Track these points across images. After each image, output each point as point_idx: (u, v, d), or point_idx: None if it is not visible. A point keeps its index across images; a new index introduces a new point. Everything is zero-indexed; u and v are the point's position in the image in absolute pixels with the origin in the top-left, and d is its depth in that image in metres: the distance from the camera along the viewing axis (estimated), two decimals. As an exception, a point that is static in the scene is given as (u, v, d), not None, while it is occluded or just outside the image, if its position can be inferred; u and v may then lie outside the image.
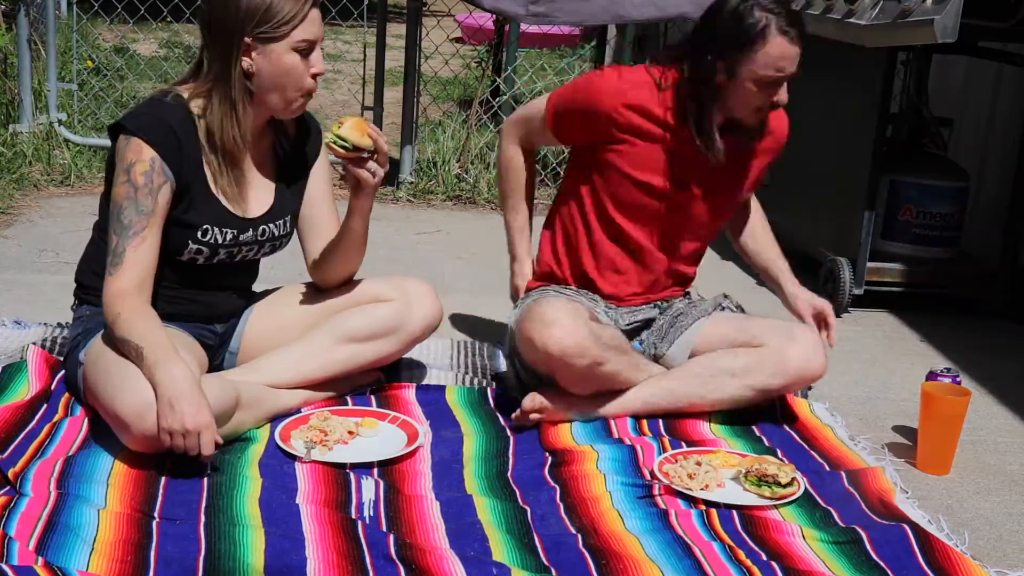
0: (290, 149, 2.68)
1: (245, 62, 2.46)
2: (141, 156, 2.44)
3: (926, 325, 3.91)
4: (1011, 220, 4.10)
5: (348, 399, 2.77)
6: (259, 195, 2.63)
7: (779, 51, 2.67)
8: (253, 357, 2.72)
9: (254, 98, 2.50)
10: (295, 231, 2.76)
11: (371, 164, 2.58)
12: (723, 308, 2.94)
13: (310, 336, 2.71)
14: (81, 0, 5.88)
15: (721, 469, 2.48)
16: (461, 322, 3.54)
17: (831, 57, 4.18)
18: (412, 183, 5.29)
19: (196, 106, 2.50)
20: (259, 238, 2.64)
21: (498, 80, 6.18)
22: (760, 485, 2.41)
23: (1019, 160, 4.04)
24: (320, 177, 2.75)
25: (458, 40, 8.79)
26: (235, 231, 2.58)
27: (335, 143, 2.53)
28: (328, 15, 6.67)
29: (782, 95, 2.76)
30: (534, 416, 2.69)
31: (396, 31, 5.92)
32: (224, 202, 2.55)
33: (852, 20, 3.78)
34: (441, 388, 2.91)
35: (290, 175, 2.70)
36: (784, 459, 2.62)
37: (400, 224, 4.83)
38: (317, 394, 2.72)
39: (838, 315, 3.95)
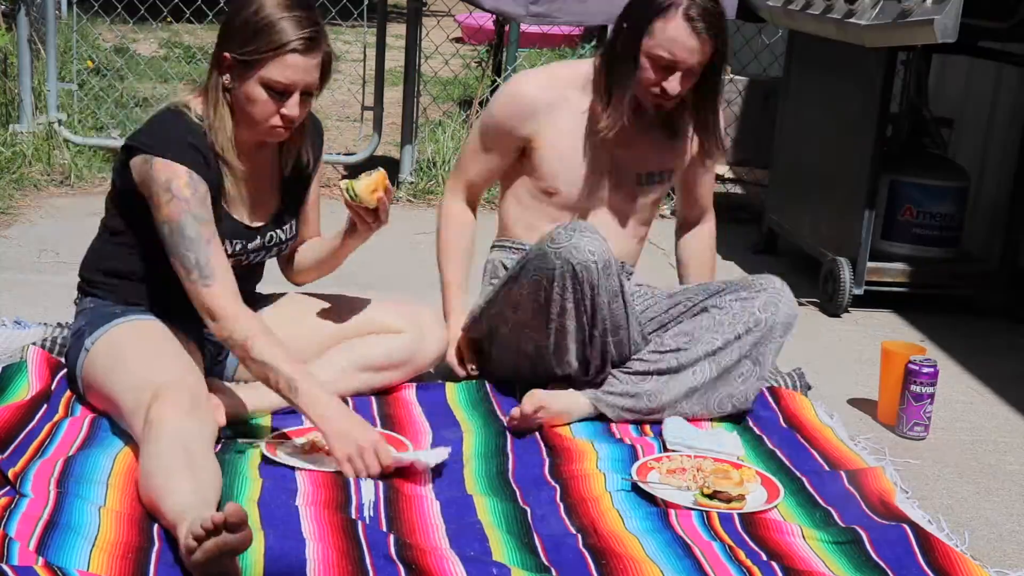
0: (292, 154, 2.66)
1: (226, 77, 2.45)
2: (176, 172, 2.42)
3: (926, 325, 3.91)
4: (1011, 220, 4.10)
5: (349, 401, 2.75)
6: (265, 202, 2.64)
7: (675, 34, 2.64)
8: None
9: (236, 116, 2.49)
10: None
11: (369, 218, 2.60)
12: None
13: (326, 362, 2.72)
14: (81, 0, 5.89)
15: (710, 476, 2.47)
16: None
17: (831, 57, 4.18)
18: (412, 183, 5.29)
19: (197, 113, 2.50)
20: (266, 244, 2.65)
21: (498, 80, 6.17)
22: (711, 499, 2.40)
23: (1019, 160, 4.04)
24: (314, 181, 2.77)
25: (458, 40, 8.79)
26: (244, 241, 2.59)
27: (346, 190, 2.56)
28: (328, 15, 6.68)
29: (672, 83, 2.69)
30: (538, 416, 2.66)
31: (396, 31, 5.92)
32: (235, 214, 2.57)
33: (852, 20, 3.78)
34: (441, 386, 2.91)
35: (293, 179, 2.69)
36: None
37: (400, 224, 4.82)
38: None
39: (838, 315, 3.96)
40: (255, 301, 2.80)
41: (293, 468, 2.39)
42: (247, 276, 2.71)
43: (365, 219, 2.60)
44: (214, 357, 2.71)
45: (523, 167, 2.90)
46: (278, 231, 2.66)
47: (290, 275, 2.85)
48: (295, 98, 2.45)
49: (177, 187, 2.41)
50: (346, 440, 2.32)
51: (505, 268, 2.93)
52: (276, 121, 2.46)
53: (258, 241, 2.62)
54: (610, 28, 7.04)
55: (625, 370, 2.77)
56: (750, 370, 2.75)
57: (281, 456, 2.42)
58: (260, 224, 2.62)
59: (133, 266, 2.60)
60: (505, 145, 2.90)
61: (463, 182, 3.04)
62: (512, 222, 2.99)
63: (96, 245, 2.68)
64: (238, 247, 2.58)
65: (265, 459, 2.42)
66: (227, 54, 2.44)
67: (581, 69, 2.87)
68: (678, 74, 2.67)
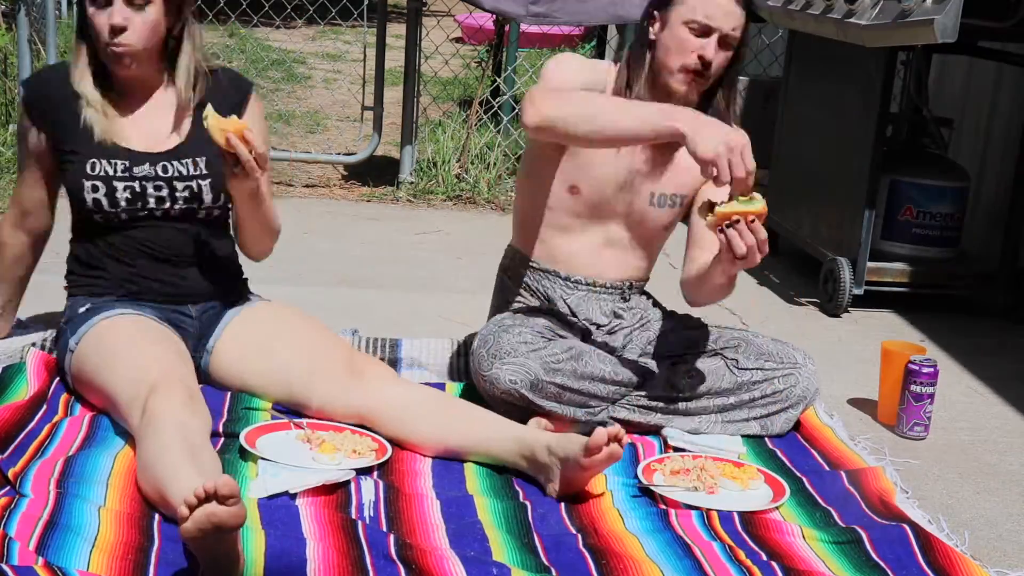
0: (213, 99, 2.65)
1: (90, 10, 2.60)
2: (22, 110, 2.69)
3: (926, 325, 3.91)
4: (1011, 220, 4.10)
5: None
6: (167, 136, 2.66)
7: None
8: (220, 372, 2.71)
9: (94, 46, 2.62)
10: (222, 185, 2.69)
11: (229, 159, 2.52)
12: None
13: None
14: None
15: (720, 477, 2.48)
16: (461, 322, 3.54)
17: (831, 57, 4.19)
18: (412, 183, 5.29)
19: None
20: (160, 174, 2.62)
21: (498, 80, 6.18)
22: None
23: (1019, 160, 4.04)
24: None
25: (458, 40, 8.79)
26: (127, 162, 2.60)
27: (204, 117, 2.50)
28: (328, 15, 6.68)
29: (708, 49, 2.60)
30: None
31: (396, 31, 5.92)
32: (114, 138, 2.61)
33: (852, 20, 3.78)
34: (441, 386, 2.90)
35: (201, 124, 2.65)
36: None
37: (400, 224, 4.83)
38: None
39: (838, 315, 3.96)
40: (233, 279, 2.80)
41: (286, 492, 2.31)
42: (191, 236, 2.68)
43: (225, 160, 2.52)
44: (194, 346, 2.70)
45: (556, 156, 2.75)
46: (176, 163, 2.63)
47: (239, 245, 2.80)
48: (117, 4, 2.54)
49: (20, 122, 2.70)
50: None
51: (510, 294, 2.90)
52: (105, 35, 2.55)
53: (148, 167, 2.61)
54: (611, 28, 6.97)
55: (632, 403, 2.73)
56: (756, 430, 2.75)
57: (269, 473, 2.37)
58: (152, 152, 2.63)
59: (90, 254, 2.68)
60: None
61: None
62: (526, 226, 2.85)
63: (71, 245, 2.76)
64: (120, 168, 2.60)
65: (257, 457, 2.42)
66: None
67: (612, 69, 2.77)
68: (714, 38, 2.60)
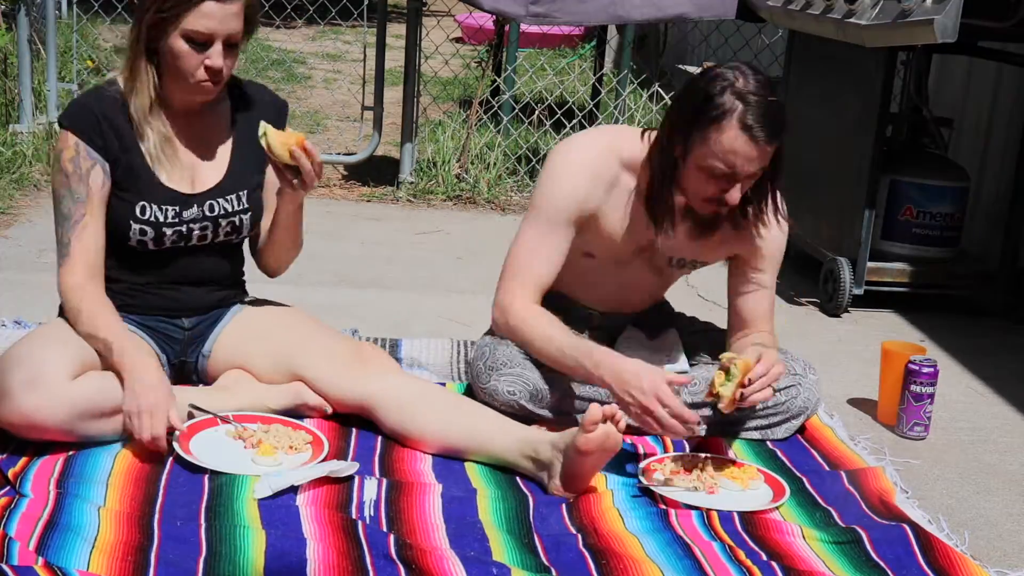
0: (245, 124, 2.62)
1: (152, 41, 2.50)
2: (67, 143, 2.49)
3: (926, 325, 3.91)
4: (1011, 220, 4.10)
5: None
6: (207, 170, 2.60)
7: (731, 144, 2.41)
8: (220, 369, 2.69)
9: (166, 77, 2.52)
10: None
11: (289, 174, 2.51)
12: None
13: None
14: (81, 0, 5.89)
15: (720, 477, 2.48)
16: (461, 322, 3.54)
17: (831, 57, 4.18)
18: (412, 183, 5.29)
19: (122, 83, 2.55)
20: (207, 214, 2.58)
21: (498, 80, 6.18)
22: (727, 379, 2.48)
23: (1019, 160, 4.04)
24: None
25: (458, 40, 8.79)
26: (177, 208, 2.54)
27: (262, 135, 2.48)
28: (328, 15, 6.68)
29: (732, 195, 2.48)
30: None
31: (396, 31, 5.93)
32: (163, 179, 2.54)
33: (852, 20, 3.78)
34: (441, 386, 2.90)
35: (245, 151, 2.63)
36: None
37: (400, 224, 4.83)
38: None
39: (838, 315, 3.96)
40: (236, 290, 2.76)
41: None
42: (210, 261, 2.65)
43: (285, 175, 2.50)
44: (181, 351, 2.68)
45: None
46: (221, 201, 2.59)
47: (258, 261, 2.77)
48: (217, 47, 2.46)
49: (63, 160, 2.49)
50: (132, 397, 2.36)
51: None
52: (202, 74, 2.47)
53: (195, 210, 2.56)
54: (611, 28, 6.96)
55: None
56: (756, 437, 2.75)
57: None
58: (199, 192, 2.58)
59: (106, 264, 2.60)
60: (577, 219, 2.63)
61: (532, 283, 2.66)
62: None
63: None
64: (170, 214, 2.54)
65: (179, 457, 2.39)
66: (148, 15, 2.48)
67: (632, 146, 2.63)
68: (736, 184, 2.48)
